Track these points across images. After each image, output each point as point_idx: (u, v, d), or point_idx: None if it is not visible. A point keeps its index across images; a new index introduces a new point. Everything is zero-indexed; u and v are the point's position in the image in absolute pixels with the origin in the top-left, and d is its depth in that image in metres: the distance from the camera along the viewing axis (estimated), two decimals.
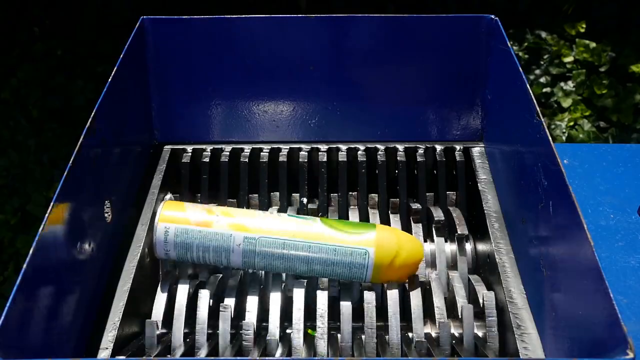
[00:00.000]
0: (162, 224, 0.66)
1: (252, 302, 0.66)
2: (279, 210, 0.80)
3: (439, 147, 0.84)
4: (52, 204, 0.56)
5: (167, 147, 0.85)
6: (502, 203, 0.75)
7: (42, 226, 0.54)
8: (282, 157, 0.83)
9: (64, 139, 1.92)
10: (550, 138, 0.61)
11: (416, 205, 0.79)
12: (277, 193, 0.82)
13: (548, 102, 1.98)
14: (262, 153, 0.83)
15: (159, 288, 0.69)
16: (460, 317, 0.65)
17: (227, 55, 0.82)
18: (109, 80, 0.70)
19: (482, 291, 0.66)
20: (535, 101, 0.65)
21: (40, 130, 1.95)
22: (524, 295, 0.65)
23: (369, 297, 0.66)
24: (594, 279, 0.49)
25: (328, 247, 0.66)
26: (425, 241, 0.77)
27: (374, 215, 0.79)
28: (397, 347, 0.64)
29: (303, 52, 0.82)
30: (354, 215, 0.81)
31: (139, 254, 0.70)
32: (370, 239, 0.66)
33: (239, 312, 0.67)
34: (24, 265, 0.51)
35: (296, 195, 0.83)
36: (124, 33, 0.79)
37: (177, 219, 0.67)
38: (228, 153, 0.83)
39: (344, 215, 0.81)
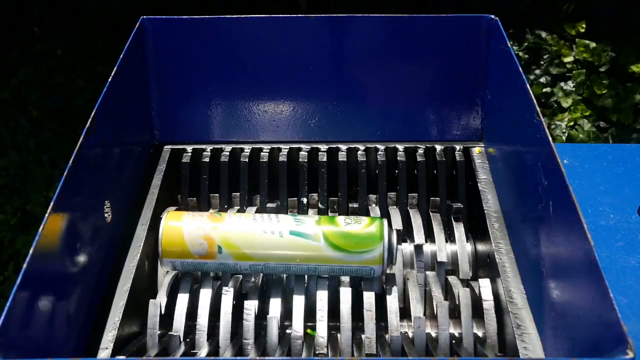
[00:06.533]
0: (167, 260, 0.68)
1: (252, 303, 0.66)
2: (279, 210, 0.80)
3: (439, 147, 0.84)
4: (52, 203, 0.56)
5: (167, 147, 0.85)
6: (502, 203, 0.75)
7: (42, 226, 0.54)
8: (282, 157, 0.83)
9: (64, 139, 1.92)
10: (550, 138, 0.61)
11: (457, 205, 0.78)
12: (277, 193, 0.82)
13: (548, 102, 1.98)
14: (262, 153, 0.83)
15: (160, 287, 0.69)
16: (459, 317, 0.65)
17: (227, 55, 0.82)
18: (109, 80, 0.70)
19: (481, 291, 0.66)
20: (535, 101, 0.65)
21: (40, 130, 1.95)
22: (524, 295, 0.65)
23: (369, 297, 0.66)
24: (594, 279, 0.49)
25: (334, 268, 0.67)
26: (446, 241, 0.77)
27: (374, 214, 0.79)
28: (397, 347, 0.64)
29: (303, 52, 0.82)
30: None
31: (139, 254, 0.70)
32: (376, 257, 0.67)
33: (239, 313, 0.67)
34: (24, 265, 0.51)
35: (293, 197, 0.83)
36: (124, 33, 0.79)
37: (180, 254, 0.67)
38: (228, 153, 0.83)
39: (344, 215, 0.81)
